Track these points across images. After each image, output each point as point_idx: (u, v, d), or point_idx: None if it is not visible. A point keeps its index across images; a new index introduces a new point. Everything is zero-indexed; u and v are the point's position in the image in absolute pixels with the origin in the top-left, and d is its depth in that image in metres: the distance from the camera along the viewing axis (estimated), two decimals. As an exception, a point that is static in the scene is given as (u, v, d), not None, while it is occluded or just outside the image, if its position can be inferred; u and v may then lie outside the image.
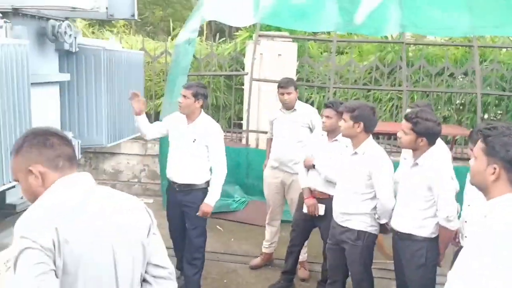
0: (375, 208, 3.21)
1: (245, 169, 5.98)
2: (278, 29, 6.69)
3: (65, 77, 3.51)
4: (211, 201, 3.73)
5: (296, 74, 6.43)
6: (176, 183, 3.85)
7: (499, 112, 6.77)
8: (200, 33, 7.05)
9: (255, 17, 6.22)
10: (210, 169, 3.86)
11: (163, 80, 7.22)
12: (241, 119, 6.98)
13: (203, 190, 3.82)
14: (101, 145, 3.87)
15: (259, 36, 6.18)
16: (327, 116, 3.70)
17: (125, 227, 1.60)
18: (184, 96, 3.73)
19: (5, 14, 2.80)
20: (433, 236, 2.96)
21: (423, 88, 6.47)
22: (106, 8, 3.18)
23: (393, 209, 3.17)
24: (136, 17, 3.39)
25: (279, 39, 6.37)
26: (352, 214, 3.26)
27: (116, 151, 6.69)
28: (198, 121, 3.78)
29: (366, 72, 6.67)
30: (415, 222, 2.98)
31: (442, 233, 2.93)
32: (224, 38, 7.67)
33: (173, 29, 8.31)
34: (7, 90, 2.52)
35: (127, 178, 6.79)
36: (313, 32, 7.00)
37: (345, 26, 6.24)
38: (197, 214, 3.74)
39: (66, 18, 3.47)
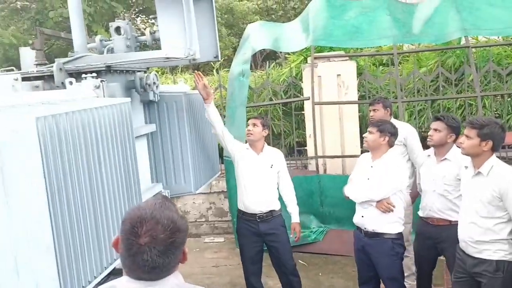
0: (511, 232, 2.88)
1: (318, 197, 5.75)
2: (332, 48, 6.51)
3: (152, 128, 3.39)
4: (298, 218, 3.97)
5: (358, 92, 6.20)
6: (255, 214, 3.89)
7: None
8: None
9: (307, 40, 6.07)
10: None
11: (218, 115, 7.10)
12: (302, 145, 6.78)
13: (281, 215, 3.99)
14: (190, 192, 3.73)
15: (315, 58, 6.02)
16: (436, 129, 3.49)
17: None
18: (254, 125, 3.90)
19: (98, 73, 2.71)
20: None
21: (496, 91, 6.13)
22: (192, 52, 3.06)
23: None
24: (219, 58, 3.25)
25: (336, 58, 6.18)
26: (486, 242, 2.90)
27: (181, 191, 6.56)
28: (266, 149, 3.99)
29: (429, 81, 6.38)
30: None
31: None
32: (273, 64, 7.54)
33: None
34: (117, 147, 2.39)
35: (195, 218, 6.64)
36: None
37: (403, 37, 6.00)
38: (293, 237, 3.97)
39: (147, 68, 3.39)
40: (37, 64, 2.85)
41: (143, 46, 3.22)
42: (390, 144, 3.44)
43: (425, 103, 6.43)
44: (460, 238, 3.06)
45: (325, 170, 6.18)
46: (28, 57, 3.01)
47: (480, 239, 2.91)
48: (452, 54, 6.58)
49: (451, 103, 6.42)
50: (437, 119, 3.52)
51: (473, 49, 6.41)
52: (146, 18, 17.68)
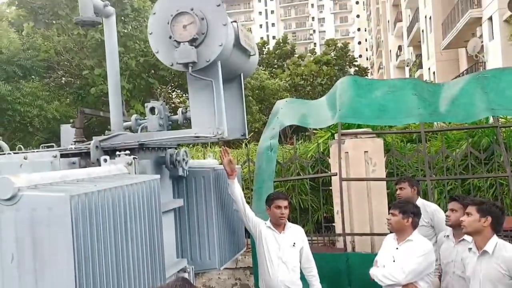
0: None
1: (346, 277, 5.57)
2: (359, 125, 6.62)
3: (179, 203, 3.48)
4: None
5: (386, 169, 6.20)
6: None
7: None
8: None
9: (334, 117, 6.21)
10: None
11: (246, 188, 7.18)
12: (330, 220, 6.70)
13: None
14: (215, 269, 3.72)
15: (342, 134, 6.11)
16: (452, 209, 3.53)
17: None
18: (286, 207, 3.89)
19: (131, 150, 2.86)
20: None
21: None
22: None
23: None
24: (246, 136, 3.39)
25: (363, 135, 6.26)
26: None
27: (206, 266, 6.50)
28: (288, 226, 3.96)
29: (458, 160, 6.34)
30: None
31: None
32: (303, 138, 7.68)
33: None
34: (144, 222, 2.47)
35: (219, 294, 6.52)
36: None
37: (429, 116, 6.06)
38: None
39: (178, 144, 3.54)
40: (75, 141, 3.04)
41: (175, 124, 3.40)
42: (414, 225, 3.43)
43: (455, 182, 6.34)
44: None
45: (353, 248, 6.04)
46: (68, 133, 3.22)
47: None
48: (481, 133, 6.57)
49: (481, 182, 6.31)
50: (453, 199, 3.56)
51: (502, 128, 6.40)
52: (181, 92, 18.54)
